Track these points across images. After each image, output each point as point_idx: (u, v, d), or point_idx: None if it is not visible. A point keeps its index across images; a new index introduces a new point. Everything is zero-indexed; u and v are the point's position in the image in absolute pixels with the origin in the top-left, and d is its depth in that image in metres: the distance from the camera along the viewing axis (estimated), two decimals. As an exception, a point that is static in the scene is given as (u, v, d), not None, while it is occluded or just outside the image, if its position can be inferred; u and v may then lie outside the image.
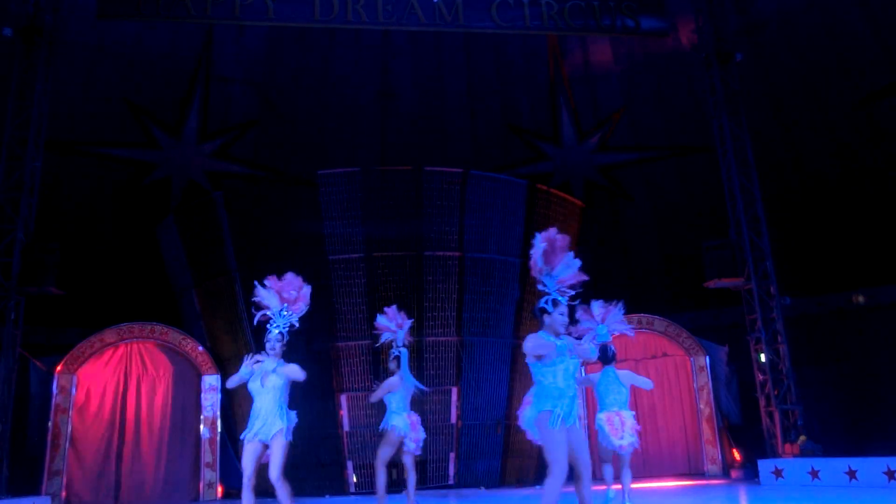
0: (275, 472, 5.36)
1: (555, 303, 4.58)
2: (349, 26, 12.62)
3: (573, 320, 6.67)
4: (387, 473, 7.26)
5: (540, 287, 4.68)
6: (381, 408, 7.62)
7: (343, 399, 11.02)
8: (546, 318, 4.57)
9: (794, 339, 11.57)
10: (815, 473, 9.56)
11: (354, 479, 10.84)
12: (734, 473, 11.27)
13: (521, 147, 16.43)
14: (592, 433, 8.07)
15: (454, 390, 11.19)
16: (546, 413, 4.41)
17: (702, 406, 11.92)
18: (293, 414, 5.66)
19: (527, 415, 4.61)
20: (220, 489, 11.04)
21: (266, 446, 5.46)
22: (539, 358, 4.50)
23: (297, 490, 10.48)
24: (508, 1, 12.46)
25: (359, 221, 11.31)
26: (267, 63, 15.38)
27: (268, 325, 5.75)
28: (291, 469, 10.42)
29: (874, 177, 13.45)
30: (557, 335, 4.55)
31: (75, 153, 14.10)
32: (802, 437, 10.46)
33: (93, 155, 14.36)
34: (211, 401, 11.27)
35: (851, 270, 13.52)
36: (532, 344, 4.48)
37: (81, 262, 13.05)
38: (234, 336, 11.63)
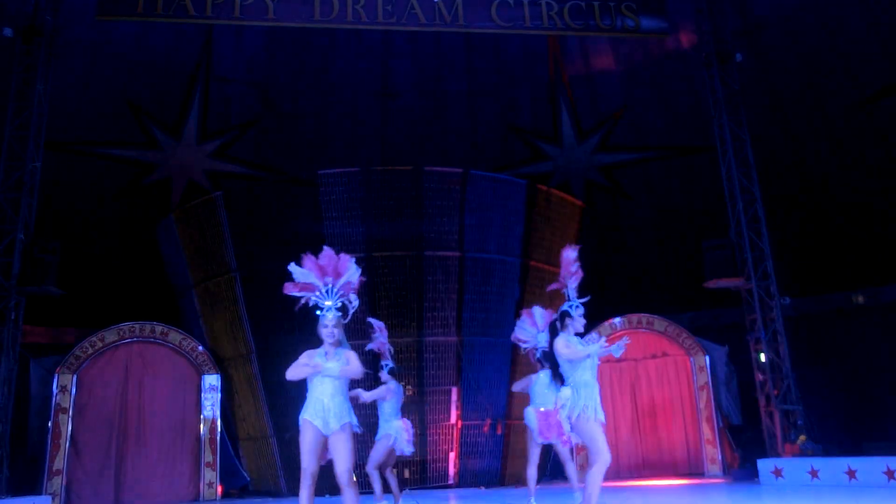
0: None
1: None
2: (349, 26, 12.61)
3: None
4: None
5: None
6: (377, 408, 7.61)
7: (343, 399, 10.99)
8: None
9: (794, 339, 11.57)
10: (814, 473, 9.56)
11: (354, 479, 10.82)
12: (734, 473, 11.26)
13: (521, 147, 16.44)
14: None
15: (454, 390, 11.19)
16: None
17: (702, 406, 11.92)
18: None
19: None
20: (219, 489, 11.06)
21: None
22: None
23: (297, 490, 10.55)
24: (508, 1, 12.47)
25: (359, 221, 11.31)
26: (267, 63, 15.37)
27: (318, 312, 4.80)
28: (294, 469, 10.46)
29: (874, 177, 13.44)
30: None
31: (75, 153, 14.09)
32: (802, 437, 10.45)
33: (93, 155, 14.36)
34: (211, 401, 11.26)
35: (851, 270, 13.51)
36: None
37: (81, 262, 13.05)
38: (234, 336, 11.62)
